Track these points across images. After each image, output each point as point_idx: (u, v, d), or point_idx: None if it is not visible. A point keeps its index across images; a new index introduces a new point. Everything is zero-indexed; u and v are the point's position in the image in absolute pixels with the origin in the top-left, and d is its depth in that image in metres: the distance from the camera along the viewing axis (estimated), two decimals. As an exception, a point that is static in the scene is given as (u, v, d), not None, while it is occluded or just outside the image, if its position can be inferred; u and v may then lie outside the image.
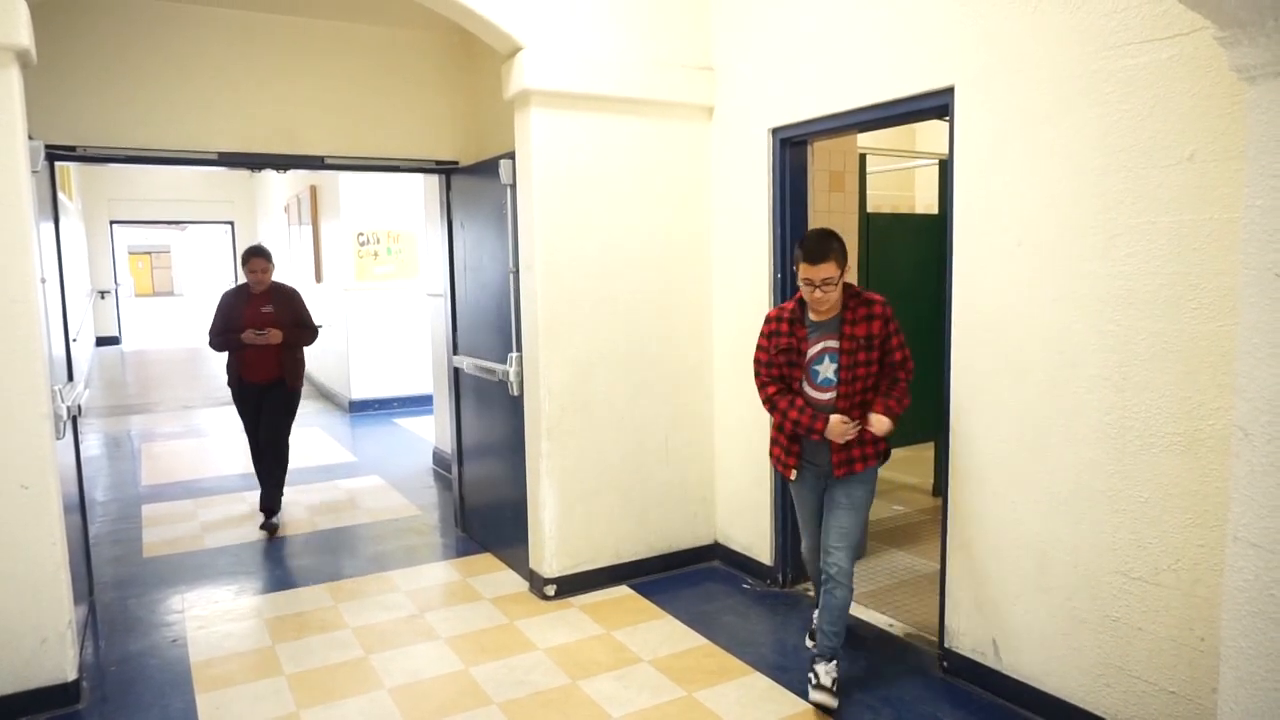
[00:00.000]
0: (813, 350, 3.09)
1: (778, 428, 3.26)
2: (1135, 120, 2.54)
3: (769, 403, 3.19)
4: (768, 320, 3.20)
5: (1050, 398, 2.85)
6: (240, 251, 5.53)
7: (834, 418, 3.03)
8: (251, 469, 5.70)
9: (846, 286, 3.04)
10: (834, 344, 3.04)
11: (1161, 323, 2.52)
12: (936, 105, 3.20)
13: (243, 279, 5.36)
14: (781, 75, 3.87)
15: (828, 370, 3.08)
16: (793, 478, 3.24)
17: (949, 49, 3.10)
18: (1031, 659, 2.99)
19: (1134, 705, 2.69)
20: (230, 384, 5.34)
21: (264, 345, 5.13)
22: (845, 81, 3.55)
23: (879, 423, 3.05)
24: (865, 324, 3.03)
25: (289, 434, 5.44)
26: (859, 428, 3.05)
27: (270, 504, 5.36)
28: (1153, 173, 2.51)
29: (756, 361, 3.22)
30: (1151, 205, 2.52)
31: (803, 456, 3.22)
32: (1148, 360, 2.57)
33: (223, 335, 5.20)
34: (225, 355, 5.32)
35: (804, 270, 2.94)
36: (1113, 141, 2.60)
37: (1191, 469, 2.49)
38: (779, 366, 3.15)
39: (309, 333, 5.34)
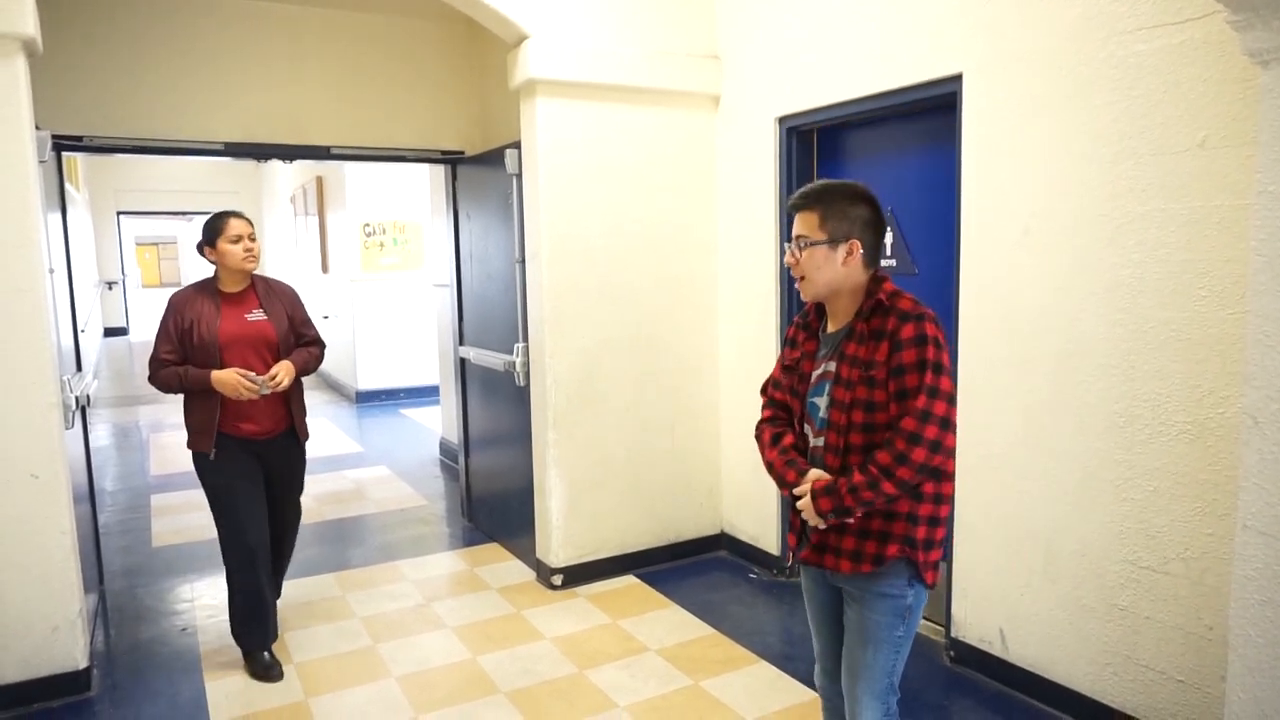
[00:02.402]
0: (816, 373, 2.08)
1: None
2: (1146, 106, 2.52)
3: (756, 430, 2.23)
4: (791, 323, 2.26)
5: (1058, 386, 2.84)
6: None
7: (813, 473, 2.01)
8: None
9: (875, 281, 2.02)
10: (833, 366, 2.03)
11: (1170, 310, 2.51)
12: (945, 93, 3.17)
13: (202, 272, 3.47)
14: (788, 63, 3.85)
15: (824, 404, 2.04)
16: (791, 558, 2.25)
17: (957, 36, 3.08)
18: (1039, 648, 2.99)
19: (1142, 694, 2.69)
20: (198, 445, 3.22)
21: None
22: (852, 69, 3.53)
23: (811, 501, 1.96)
24: (871, 343, 1.95)
25: (299, 517, 3.64)
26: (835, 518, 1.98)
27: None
28: (1163, 159, 2.49)
29: (768, 377, 2.28)
30: (1161, 192, 2.50)
31: (804, 534, 2.14)
32: (1157, 348, 2.55)
33: (181, 369, 3.14)
34: (182, 399, 3.25)
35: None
36: (1123, 128, 2.58)
37: (1201, 457, 2.48)
38: (783, 388, 2.18)
39: (320, 351, 3.49)
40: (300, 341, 3.44)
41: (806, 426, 2.09)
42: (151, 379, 3.20)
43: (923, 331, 1.89)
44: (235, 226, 3.23)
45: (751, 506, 4.36)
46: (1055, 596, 2.91)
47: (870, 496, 1.90)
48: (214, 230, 3.24)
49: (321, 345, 3.51)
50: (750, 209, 4.17)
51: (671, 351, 4.33)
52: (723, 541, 4.57)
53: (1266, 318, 1.87)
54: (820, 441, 2.03)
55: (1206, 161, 2.40)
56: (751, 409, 4.22)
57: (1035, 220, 2.87)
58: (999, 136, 2.97)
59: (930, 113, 3.38)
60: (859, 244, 1.96)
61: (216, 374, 3.12)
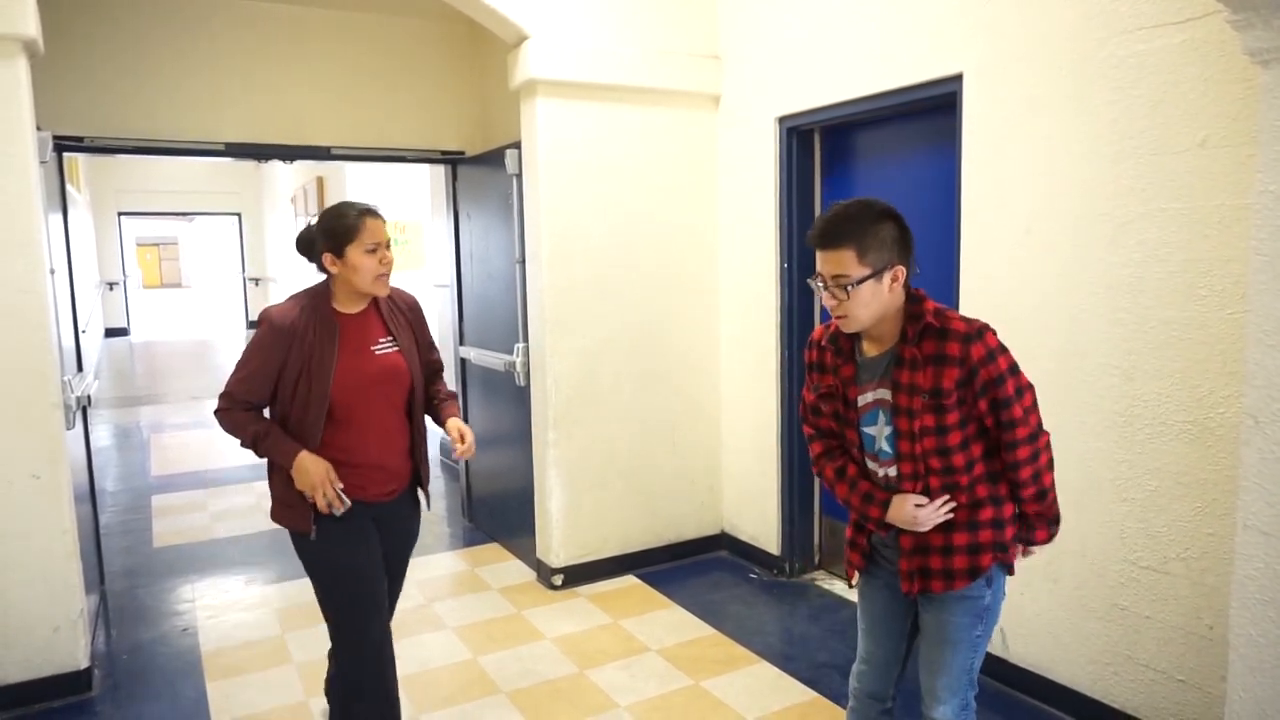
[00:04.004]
0: (863, 400, 1.99)
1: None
2: (1147, 106, 2.52)
3: (815, 466, 2.15)
4: (808, 345, 2.12)
5: (1058, 386, 2.83)
6: (312, 224, 2.37)
7: (899, 496, 1.95)
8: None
9: (914, 300, 1.92)
10: (887, 394, 1.94)
11: (1171, 310, 2.51)
12: (945, 93, 3.17)
13: (305, 279, 2.45)
14: (788, 63, 3.85)
15: (882, 435, 1.97)
16: (853, 582, 2.19)
17: (957, 36, 3.08)
18: (1040, 648, 2.99)
19: (1142, 694, 2.69)
20: (293, 524, 2.34)
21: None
22: (852, 69, 3.52)
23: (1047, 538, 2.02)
24: (932, 368, 1.87)
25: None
26: (948, 512, 1.93)
27: None
28: (1164, 159, 2.49)
29: (801, 403, 2.16)
30: (1162, 192, 2.50)
31: (873, 551, 2.12)
32: (1157, 348, 2.55)
33: (262, 428, 2.29)
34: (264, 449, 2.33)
35: (818, 260, 1.90)
36: (1123, 128, 2.58)
37: (1201, 457, 2.48)
38: (826, 416, 2.07)
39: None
40: (428, 372, 2.55)
41: (867, 459, 2.03)
42: (220, 415, 2.33)
43: (990, 347, 1.87)
44: (372, 230, 2.28)
45: (752, 507, 4.36)
46: (1056, 596, 2.91)
47: (1050, 503, 2.04)
48: (346, 232, 2.27)
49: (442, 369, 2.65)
50: (751, 209, 4.17)
51: (672, 351, 4.34)
52: (723, 541, 4.57)
53: (1267, 317, 1.87)
54: (892, 471, 1.97)
55: (1207, 161, 2.39)
56: (752, 408, 4.25)
57: (1036, 220, 2.87)
58: (999, 136, 2.97)
59: (931, 112, 3.38)
60: (902, 269, 1.87)
61: (303, 461, 2.25)
